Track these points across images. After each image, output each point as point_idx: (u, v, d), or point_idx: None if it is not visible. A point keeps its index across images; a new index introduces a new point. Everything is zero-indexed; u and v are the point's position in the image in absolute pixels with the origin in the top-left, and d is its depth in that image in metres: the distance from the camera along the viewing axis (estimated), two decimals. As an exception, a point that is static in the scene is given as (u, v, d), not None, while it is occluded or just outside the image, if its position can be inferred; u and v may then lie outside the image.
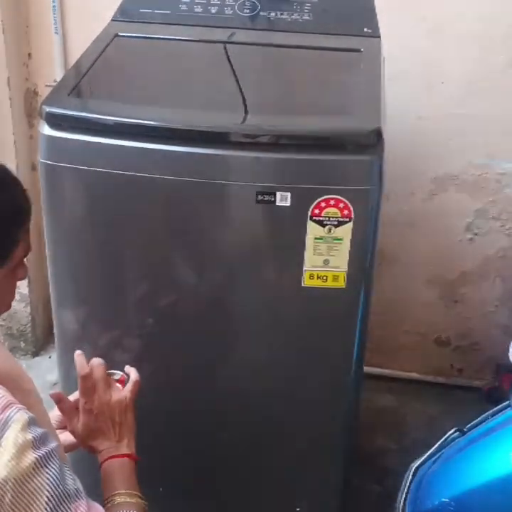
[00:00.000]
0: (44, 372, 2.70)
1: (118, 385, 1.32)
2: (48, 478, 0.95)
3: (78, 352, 1.30)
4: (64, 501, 0.96)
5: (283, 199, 1.41)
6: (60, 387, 1.75)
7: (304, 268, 1.47)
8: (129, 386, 1.31)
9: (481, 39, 2.14)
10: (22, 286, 2.63)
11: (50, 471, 0.96)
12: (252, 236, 1.49)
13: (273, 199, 1.41)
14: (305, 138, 1.41)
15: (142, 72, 1.70)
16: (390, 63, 1.77)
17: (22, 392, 1.04)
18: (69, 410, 1.29)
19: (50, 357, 2.78)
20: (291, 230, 1.46)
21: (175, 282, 1.55)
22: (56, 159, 1.44)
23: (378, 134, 1.39)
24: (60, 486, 0.96)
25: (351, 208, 1.41)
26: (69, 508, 0.97)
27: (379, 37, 1.79)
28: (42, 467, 0.95)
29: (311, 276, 1.48)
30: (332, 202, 1.40)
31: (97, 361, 1.30)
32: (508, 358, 2.41)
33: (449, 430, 1.56)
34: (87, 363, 1.29)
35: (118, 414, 1.27)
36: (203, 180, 1.43)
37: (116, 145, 1.42)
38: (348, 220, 1.42)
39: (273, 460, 1.74)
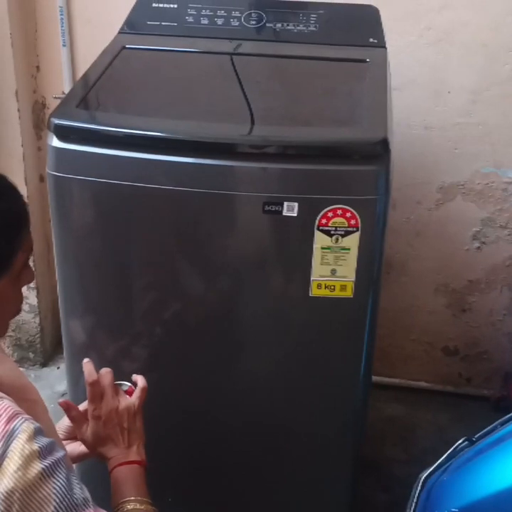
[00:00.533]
0: (53, 382, 2.70)
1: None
2: (55, 488, 0.95)
3: (86, 360, 1.31)
4: (72, 511, 0.97)
5: (290, 209, 1.41)
6: (69, 397, 1.75)
7: (312, 278, 1.47)
8: (137, 393, 1.31)
9: (486, 48, 2.14)
10: (31, 297, 2.64)
11: (58, 480, 0.96)
12: (259, 246, 1.49)
13: (280, 209, 1.41)
14: (312, 148, 1.41)
15: (149, 84, 1.71)
16: (396, 73, 1.78)
17: (28, 402, 1.04)
18: (78, 418, 1.29)
19: (58, 368, 2.79)
20: (298, 240, 1.46)
21: (182, 292, 1.56)
22: (64, 171, 1.45)
23: (385, 144, 1.39)
24: (68, 496, 0.96)
25: (358, 218, 1.41)
26: None
27: (385, 47, 1.80)
28: (49, 477, 0.95)
29: (319, 286, 1.48)
30: (339, 212, 1.41)
31: (105, 369, 1.30)
32: (517, 366, 2.43)
33: (458, 440, 1.55)
34: (95, 371, 1.29)
35: (126, 420, 1.28)
36: (210, 191, 1.43)
37: (124, 156, 1.43)
38: (355, 229, 1.42)
39: (280, 469, 1.74)
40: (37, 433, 0.97)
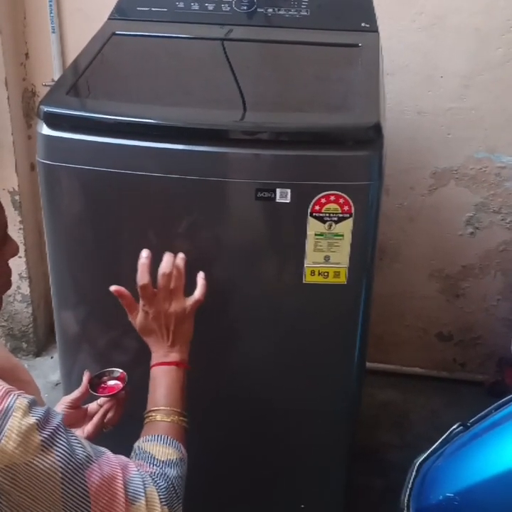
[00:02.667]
0: (46, 372, 2.70)
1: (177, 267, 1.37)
2: (58, 455, 0.95)
3: (144, 254, 1.36)
4: (78, 472, 0.97)
5: (283, 196, 1.40)
6: (62, 387, 1.74)
7: (305, 265, 1.46)
8: (190, 300, 1.37)
9: (479, 32, 2.14)
10: (23, 287, 2.63)
11: (60, 447, 0.96)
12: (252, 233, 1.49)
13: (273, 196, 1.40)
14: (304, 134, 1.40)
15: (140, 71, 1.69)
16: (388, 58, 1.77)
17: (19, 383, 1.04)
18: (129, 305, 1.38)
19: (52, 357, 2.78)
20: (291, 227, 1.45)
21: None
22: (55, 159, 1.44)
23: (378, 129, 1.38)
24: (72, 459, 0.97)
25: (351, 204, 1.40)
26: (83, 476, 0.97)
27: (377, 32, 1.78)
28: (51, 446, 0.95)
29: (312, 273, 1.47)
30: (332, 198, 1.40)
31: (162, 270, 1.35)
32: (511, 351, 2.43)
33: (453, 425, 1.55)
34: (147, 273, 1.34)
35: (174, 323, 1.35)
36: (202, 178, 1.42)
37: (115, 144, 1.41)
38: (348, 215, 1.41)
39: (275, 456, 1.74)
40: (31, 405, 0.96)
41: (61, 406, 1.36)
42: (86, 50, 1.66)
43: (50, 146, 1.44)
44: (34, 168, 2.54)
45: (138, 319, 1.37)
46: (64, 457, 0.96)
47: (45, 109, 1.42)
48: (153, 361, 1.34)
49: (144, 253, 1.38)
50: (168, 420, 1.23)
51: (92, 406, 1.41)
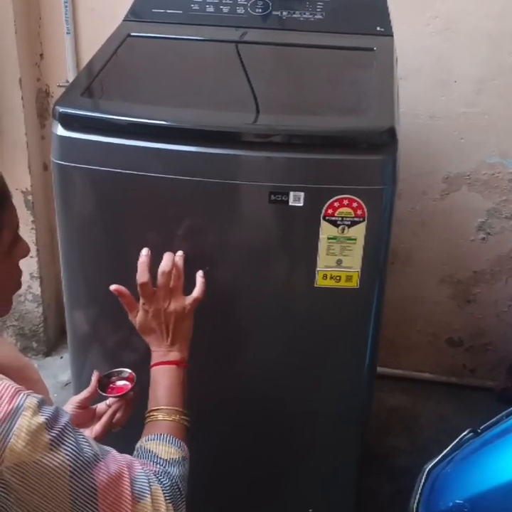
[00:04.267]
0: (56, 372, 2.70)
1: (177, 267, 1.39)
2: (67, 454, 0.96)
3: (144, 252, 1.38)
4: (86, 470, 0.97)
5: (296, 199, 1.40)
6: (73, 387, 1.75)
7: (317, 268, 1.46)
8: (190, 298, 1.38)
9: (492, 37, 2.13)
10: (34, 287, 2.63)
11: (68, 446, 0.97)
12: (265, 236, 1.48)
13: (286, 199, 1.40)
14: (318, 137, 1.40)
15: (154, 73, 1.70)
16: (402, 62, 1.77)
17: (28, 382, 1.04)
18: (129, 304, 1.38)
19: (61, 357, 2.79)
20: (304, 230, 1.45)
21: (186, 283, 1.54)
22: (69, 159, 1.44)
23: (392, 133, 1.38)
24: (80, 458, 0.97)
25: (365, 208, 1.40)
26: (91, 474, 0.98)
27: (392, 36, 1.78)
28: (59, 445, 0.96)
29: (324, 277, 1.47)
30: (346, 202, 1.39)
31: (162, 268, 1.36)
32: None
33: (463, 431, 1.54)
34: (147, 271, 1.36)
35: (173, 321, 1.35)
36: (215, 181, 1.42)
37: (129, 145, 1.41)
38: (361, 219, 1.41)
39: (285, 460, 1.74)
40: (41, 405, 0.97)
41: (69, 406, 1.36)
42: (101, 51, 1.66)
43: (65, 146, 1.44)
44: (47, 169, 2.55)
45: (138, 318, 1.38)
46: (72, 456, 0.96)
47: (60, 110, 1.43)
48: (154, 360, 1.35)
49: (144, 251, 1.40)
50: (170, 419, 1.24)
51: (100, 406, 1.41)
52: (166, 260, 1.39)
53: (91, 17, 2.31)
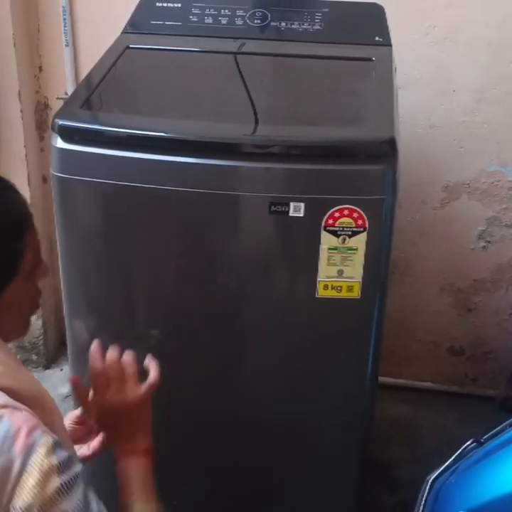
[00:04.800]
0: (56, 384, 2.69)
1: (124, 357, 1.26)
2: (72, 504, 0.95)
3: (94, 347, 1.24)
4: None
5: (296, 209, 1.40)
6: (72, 399, 1.74)
7: (318, 279, 1.46)
8: (145, 386, 1.25)
9: (492, 46, 2.13)
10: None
11: (75, 496, 0.95)
12: (265, 247, 1.48)
13: (286, 209, 1.40)
14: (318, 148, 1.40)
15: (154, 84, 1.70)
16: (401, 71, 1.77)
17: (45, 411, 1.04)
18: (83, 397, 1.27)
19: (61, 370, 2.78)
20: (305, 241, 1.45)
21: (187, 294, 1.55)
22: (69, 172, 1.44)
23: (392, 143, 1.38)
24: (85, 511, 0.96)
25: (365, 218, 1.40)
26: None
27: (390, 45, 1.78)
28: (67, 493, 0.95)
29: (326, 287, 1.47)
30: (346, 212, 1.39)
31: (111, 357, 1.24)
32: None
33: (465, 440, 1.53)
34: (100, 359, 1.23)
35: (132, 412, 1.24)
36: (215, 192, 1.42)
37: (129, 157, 1.41)
38: (362, 230, 1.41)
39: (286, 470, 1.73)
40: (56, 446, 0.96)
41: (67, 421, 1.34)
42: (100, 63, 1.66)
43: (65, 159, 1.45)
44: (46, 181, 2.54)
45: (94, 416, 1.27)
46: (77, 507, 0.96)
47: (60, 122, 1.43)
48: (118, 454, 1.23)
49: (94, 344, 1.26)
50: (148, 507, 1.18)
51: None
52: (112, 351, 1.26)
53: (90, 29, 2.31)
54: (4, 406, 0.95)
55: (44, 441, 0.95)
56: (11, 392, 0.98)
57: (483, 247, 2.36)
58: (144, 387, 1.25)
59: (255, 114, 1.58)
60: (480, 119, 2.21)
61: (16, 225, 1.06)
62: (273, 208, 1.41)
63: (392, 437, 2.45)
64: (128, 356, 1.26)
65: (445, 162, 2.29)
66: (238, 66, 1.76)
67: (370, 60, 1.71)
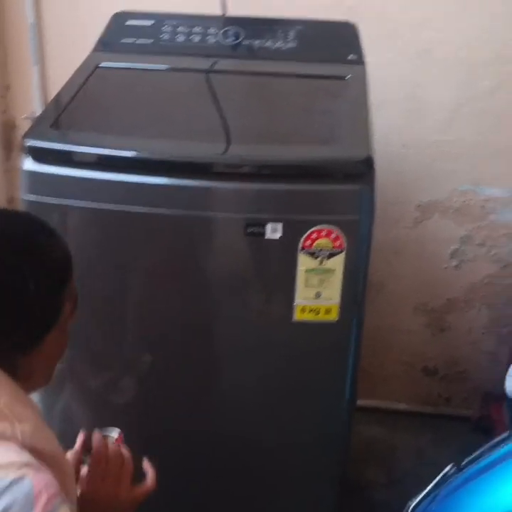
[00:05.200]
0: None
1: (123, 450, 1.21)
2: None
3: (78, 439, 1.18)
4: None
5: (274, 230, 1.38)
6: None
7: (295, 302, 1.43)
8: (140, 491, 1.18)
9: (464, 65, 2.13)
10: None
11: None
12: (241, 269, 1.45)
13: (263, 231, 1.38)
14: (294, 167, 1.38)
15: (125, 103, 1.67)
16: (373, 90, 1.75)
17: (62, 474, 0.99)
18: (78, 459, 1.19)
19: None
20: (281, 263, 1.43)
21: (160, 316, 1.51)
22: (39, 194, 1.40)
23: (369, 162, 1.37)
24: None
25: (343, 239, 1.38)
26: None
27: (364, 64, 1.77)
28: None
29: (303, 310, 1.44)
30: (324, 233, 1.37)
31: (115, 449, 1.18)
32: (496, 386, 2.40)
33: (440, 462, 1.51)
34: (106, 446, 1.17)
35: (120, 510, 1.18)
36: (189, 213, 1.39)
37: (101, 179, 1.38)
38: (340, 250, 1.39)
39: (262, 492, 1.70)
40: None
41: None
42: (70, 82, 1.62)
43: (35, 181, 1.41)
44: (13, 202, 2.48)
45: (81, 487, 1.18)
46: None
47: (29, 143, 1.39)
48: None
49: (79, 439, 1.21)
50: None
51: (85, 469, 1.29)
52: (97, 442, 1.19)
53: (59, 47, 2.27)
54: (27, 465, 0.90)
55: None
56: (34, 452, 0.93)
57: (456, 266, 2.35)
58: (138, 491, 1.19)
59: (228, 133, 1.56)
60: (452, 138, 2.20)
61: (61, 275, 1.02)
62: (249, 229, 1.38)
63: (368, 460, 2.41)
64: (127, 453, 1.20)
65: (418, 181, 2.28)
66: (210, 84, 1.74)
67: (343, 78, 1.70)
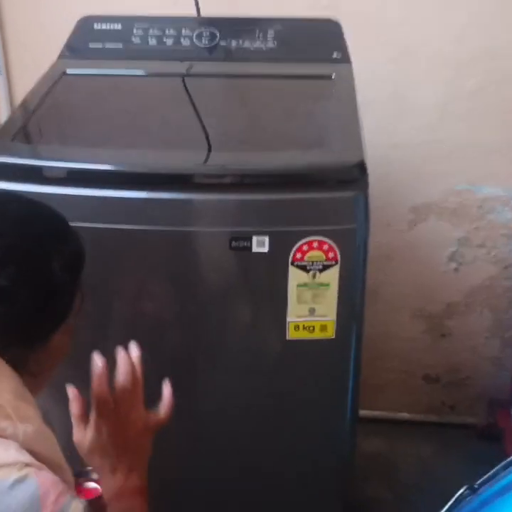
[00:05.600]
0: None
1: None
2: None
3: (98, 367, 1.05)
4: None
5: (260, 244, 1.27)
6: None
7: (288, 319, 1.33)
8: (153, 418, 1.09)
9: (450, 62, 2.03)
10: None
11: None
12: (227, 286, 1.34)
13: (249, 245, 1.27)
14: (280, 175, 1.27)
15: (95, 113, 1.55)
16: (359, 90, 1.64)
17: (59, 472, 0.94)
18: (80, 413, 1.07)
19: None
20: (271, 278, 1.32)
21: (145, 341, 1.39)
22: None
23: (362, 167, 1.26)
24: None
25: (337, 250, 1.28)
26: None
27: (350, 62, 1.67)
28: None
29: (296, 328, 1.34)
30: (315, 244, 1.27)
31: (124, 379, 1.06)
32: (502, 392, 2.31)
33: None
34: (107, 384, 1.04)
35: (133, 442, 1.08)
36: (168, 228, 1.29)
37: (69, 194, 1.27)
38: (333, 263, 1.28)
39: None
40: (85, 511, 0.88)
41: None
42: (34, 92, 1.51)
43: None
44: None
45: (89, 436, 1.06)
46: None
47: (-11, 158, 1.27)
48: (109, 492, 1.06)
49: (99, 361, 1.06)
50: None
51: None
52: (124, 366, 1.08)
53: (23, 54, 2.14)
54: (28, 464, 0.86)
55: (74, 507, 0.86)
56: (34, 455, 0.89)
57: (455, 269, 2.26)
58: (151, 417, 1.09)
59: (208, 140, 1.45)
60: (443, 137, 2.11)
61: (78, 266, 1.02)
62: (234, 244, 1.27)
63: (369, 474, 2.31)
64: (137, 370, 1.09)
65: (410, 182, 2.18)
66: (187, 89, 1.63)
67: (329, 77, 1.60)
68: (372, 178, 2.09)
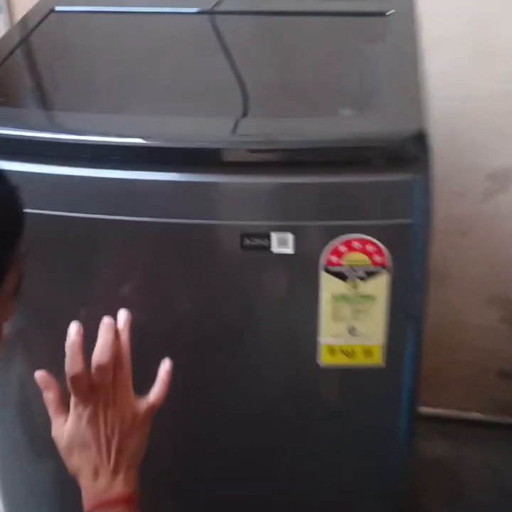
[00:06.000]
0: None
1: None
2: None
3: (73, 338, 0.93)
4: None
5: (282, 243, 0.99)
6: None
7: (321, 341, 1.04)
8: (144, 403, 0.97)
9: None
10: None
11: None
12: (241, 298, 1.06)
13: (267, 243, 0.98)
14: (312, 151, 0.96)
15: (90, 65, 1.24)
16: (426, 29, 1.36)
17: None
18: (56, 403, 0.97)
19: None
20: (297, 287, 1.03)
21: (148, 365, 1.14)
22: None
23: (422, 139, 0.95)
24: None
25: (385, 253, 0.99)
26: None
27: (412, -5, 1.36)
28: None
29: (332, 351, 1.06)
30: (356, 244, 0.98)
31: (103, 352, 0.93)
32: None
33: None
34: (80, 356, 0.93)
35: (118, 434, 0.95)
36: (169, 221, 1.00)
37: (53, 174, 0.99)
38: (381, 269, 1.00)
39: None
40: None
41: None
42: (8, 36, 1.23)
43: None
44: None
45: (66, 427, 0.95)
46: None
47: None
48: (91, 500, 0.93)
49: (73, 328, 0.94)
50: None
51: None
52: (105, 338, 0.95)
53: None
54: None
55: None
56: None
57: (539, 247, 2.03)
58: (141, 404, 0.97)
59: (223, 103, 1.13)
60: (531, 87, 1.83)
61: (8, 237, 0.79)
62: (246, 242, 0.98)
63: (428, 484, 2.07)
64: (124, 344, 0.97)
65: (487, 143, 1.92)
66: (216, 30, 1.33)
67: (384, 14, 1.29)
68: (441, 137, 1.80)
